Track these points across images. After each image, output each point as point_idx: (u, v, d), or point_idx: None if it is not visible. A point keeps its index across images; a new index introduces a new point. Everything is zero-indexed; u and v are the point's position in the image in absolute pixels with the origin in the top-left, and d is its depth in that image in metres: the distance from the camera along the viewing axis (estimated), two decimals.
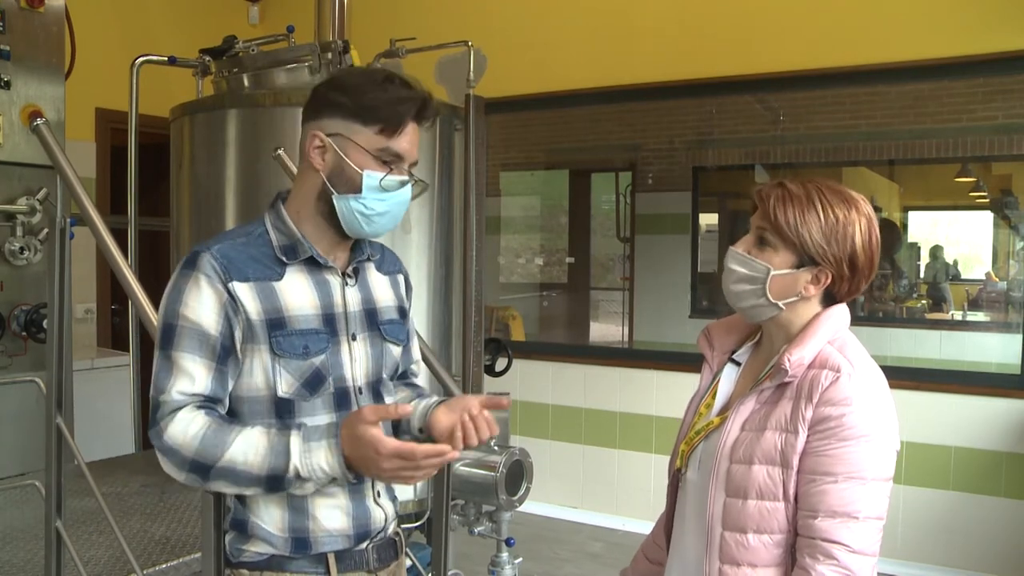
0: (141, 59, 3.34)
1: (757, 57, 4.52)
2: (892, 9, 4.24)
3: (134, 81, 3.30)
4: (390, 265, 1.70)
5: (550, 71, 5.05)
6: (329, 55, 2.90)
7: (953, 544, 4.13)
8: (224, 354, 1.45)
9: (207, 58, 3.22)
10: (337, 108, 1.49)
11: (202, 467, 1.40)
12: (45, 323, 2.79)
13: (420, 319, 2.88)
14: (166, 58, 3.38)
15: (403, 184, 1.52)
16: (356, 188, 1.49)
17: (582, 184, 6.31)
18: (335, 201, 1.50)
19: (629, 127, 5.55)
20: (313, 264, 1.53)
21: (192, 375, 1.43)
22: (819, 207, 1.42)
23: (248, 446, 1.40)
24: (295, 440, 1.40)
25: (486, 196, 3.36)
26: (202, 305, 1.44)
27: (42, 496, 2.22)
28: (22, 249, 2.94)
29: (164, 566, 2.29)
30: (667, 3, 4.81)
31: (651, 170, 5.67)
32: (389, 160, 1.50)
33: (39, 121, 2.75)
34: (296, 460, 1.39)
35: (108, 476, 3.04)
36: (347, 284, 1.57)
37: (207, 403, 1.44)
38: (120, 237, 2.56)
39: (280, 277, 1.49)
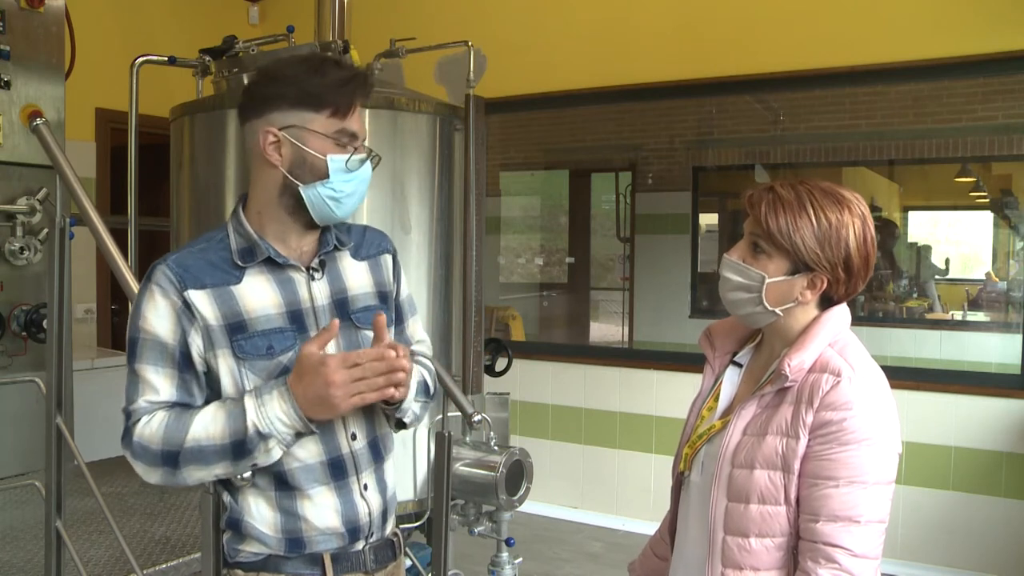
0: (141, 59, 3.33)
1: (757, 57, 4.52)
2: (892, 9, 4.24)
3: (134, 81, 3.29)
4: (371, 248, 1.67)
5: (550, 71, 5.05)
6: (329, 55, 2.90)
7: (953, 544, 4.13)
8: (184, 361, 1.47)
9: (207, 58, 3.21)
10: (282, 100, 1.48)
11: (171, 456, 1.42)
12: (45, 323, 2.78)
13: (420, 319, 2.88)
14: (166, 58, 3.37)
15: (363, 162, 1.53)
16: (322, 174, 1.49)
17: (582, 184, 6.32)
18: (302, 192, 1.49)
19: (629, 127, 5.56)
20: (274, 264, 1.52)
21: (155, 386, 1.46)
22: (811, 212, 1.40)
23: (207, 420, 1.43)
24: (248, 400, 1.43)
25: (486, 196, 3.36)
26: (157, 316, 1.46)
27: (42, 496, 2.23)
28: (22, 249, 2.94)
29: (164, 566, 2.29)
30: (667, 3, 4.81)
31: (651, 170, 5.67)
32: (346, 141, 1.51)
33: (39, 121, 2.75)
34: (253, 417, 1.41)
35: (108, 476, 3.04)
36: (313, 279, 1.56)
37: (173, 408, 1.47)
38: (120, 237, 2.56)
39: (239, 280, 1.50)
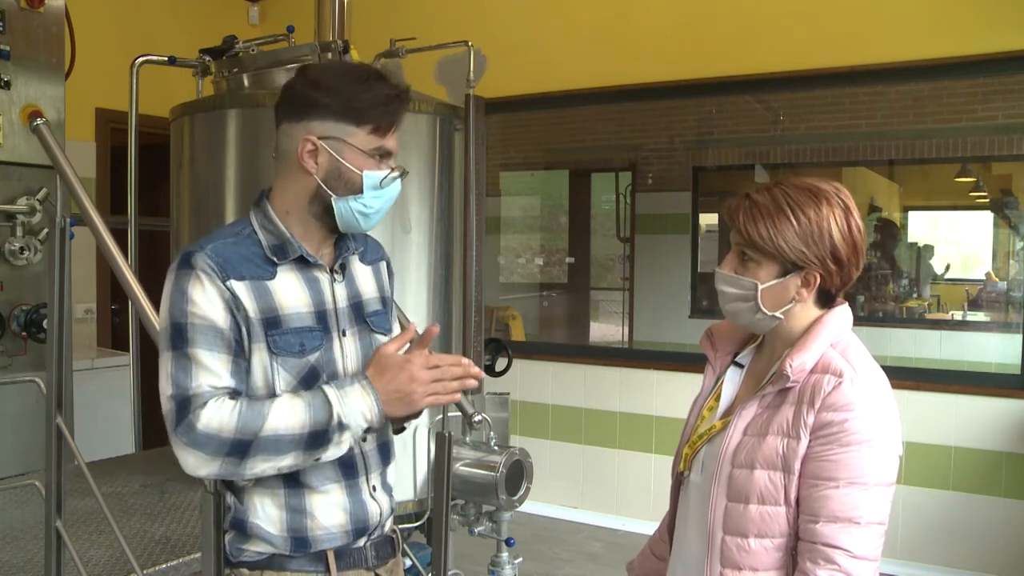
0: (141, 59, 3.33)
1: (757, 57, 4.52)
2: (892, 9, 4.24)
3: (134, 81, 3.29)
4: (372, 254, 1.70)
5: (550, 71, 5.05)
6: (329, 55, 2.90)
7: (953, 544, 4.13)
8: (238, 348, 1.45)
9: (207, 58, 3.21)
10: (325, 110, 1.48)
11: (242, 445, 1.38)
12: (45, 323, 2.78)
13: (420, 319, 2.88)
14: (166, 58, 3.37)
15: (394, 180, 1.54)
16: (356, 189, 1.50)
17: (582, 184, 6.32)
18: (334, 203, 1.51)
19: (629, 127, 5.56)
20: (303, 263, 1.54)
21: (215, 371, 1.42)
22: (789, 212, 1.41)
23: (285, 410, 1.41)
24: (330, 391, 1.44)
25: (486, 196, 3.36)
26: (209, 301, 1.43)
27: (42, 496, 2.22)
28: (22, 249, 2.94)
29: (164, 566, 2.29)
30: (667, 3, 4.81)
31: (651, 170, 5.67)
32: (381, 157, 1.52)
33: (39, 121, 2.75)
34: (337, 407, 1.42)
35: (108, 476, 3.03)
36: (335, 280, 1.58)
37: (233, 395, 1.44)
38: (120, 237, 2.56)
39: (272, 276, 1.50)
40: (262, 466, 1.41)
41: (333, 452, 1.45)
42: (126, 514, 2.67)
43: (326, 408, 1.42)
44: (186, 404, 1.40)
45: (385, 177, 1.52)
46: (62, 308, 2.21)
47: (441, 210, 3.00)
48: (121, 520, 2.47)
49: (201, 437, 1.38)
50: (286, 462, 1.42)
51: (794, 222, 1.41)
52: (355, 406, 1.43)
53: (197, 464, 1.40)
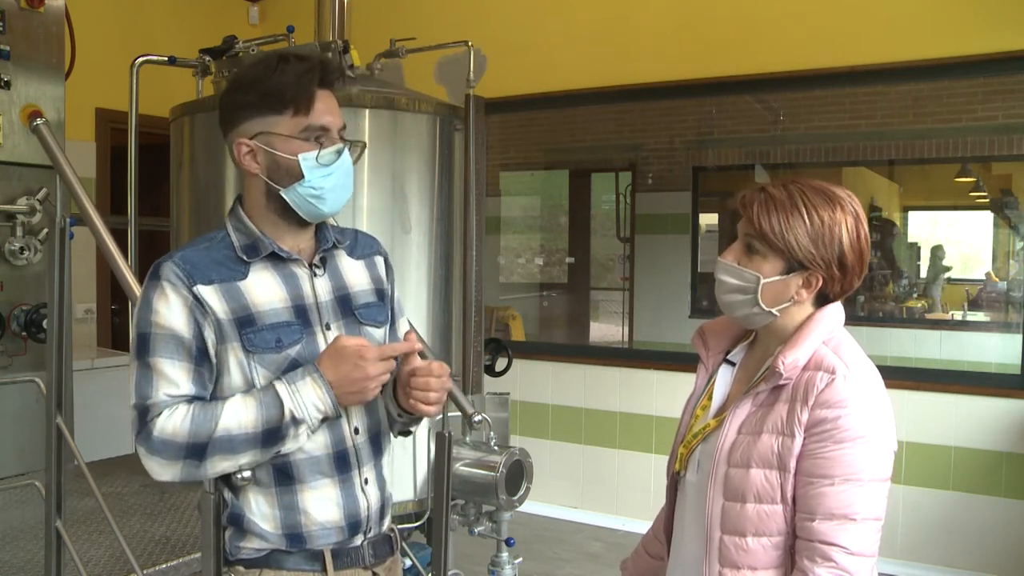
0: (141, 59, 3.33)
1: (757, 57, 4.52)
2: (892, 9, 4.25)
3: (134, 81, 3.29)
4: (364, 248, 1.70)
5: (550, 71, 5.05)
6: (329, 55, 2.90)
7: (953, 544, 4.13)
8: (200, 355, 1.47)
9: (207, 58, 3.22)
10: (247, 108, 1.50)
11: (197, 448, 1.42)
12: (45, 323, 2.79)
13: (420, 319, 2.88)
14: (166, 58, 3.37)
15: (339, 153, 1.52)
16: (298, 175, 1.49)
17: (582, 184, 6.32)
18: (284, 195, 1.51)
19: (629, 127, 5.56)
20: (278, 259, 1.54)
21: (174, 380, 1.45)
22: (803, 210, 1.41)
23: (237, 409, 1.44)
24: (281, 387, 1.45)
25: (486, 196, 3.36)
26: (171, 311, 1.46)
27: (42, 496, 2.23)
28: (22, 249, 2.94)
29: (164, 566, 2.29)
30: (667, 3, 4.81)
31: (651, 170, 5.68)
32: (317, 135, 1.50)
33: (39, 121, 2.75)
34: (288, 403, 1.43)
35: (108, 476, 3.04)
36: (315, 275, 1.57)
37: (190, 401, 1.47)
38: (120, 237, 2.56)
39: (244, 276, 1.51)
40: (222, 465, 1.45)
41: (292, 445, 1.47)
42: (126, 514, 2.67)
43: (277, 405, 1.43)
44: (145, 413, 1.45)
45: (319, 154, 1.49)
46: (62, 308, 2.22)
47: (441, 210, 3.00)
48: (121, 520, 2.47)
49: (158, 444, 1.43)
50: (245, 459, 1.45)
51: (807, 220, 1.41)
52: (307, 399, 1.44)
53: (160, 469, 1.45)
